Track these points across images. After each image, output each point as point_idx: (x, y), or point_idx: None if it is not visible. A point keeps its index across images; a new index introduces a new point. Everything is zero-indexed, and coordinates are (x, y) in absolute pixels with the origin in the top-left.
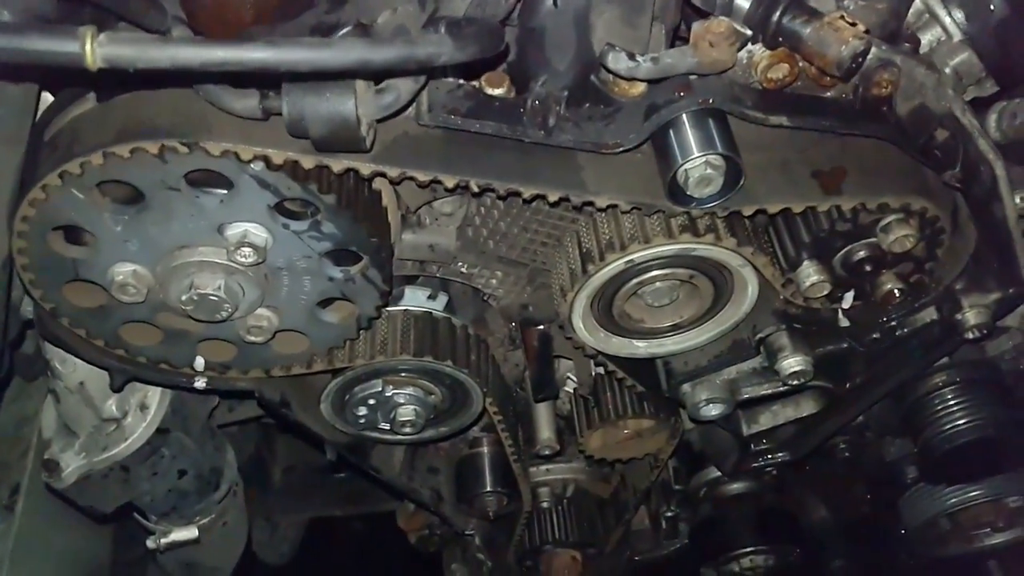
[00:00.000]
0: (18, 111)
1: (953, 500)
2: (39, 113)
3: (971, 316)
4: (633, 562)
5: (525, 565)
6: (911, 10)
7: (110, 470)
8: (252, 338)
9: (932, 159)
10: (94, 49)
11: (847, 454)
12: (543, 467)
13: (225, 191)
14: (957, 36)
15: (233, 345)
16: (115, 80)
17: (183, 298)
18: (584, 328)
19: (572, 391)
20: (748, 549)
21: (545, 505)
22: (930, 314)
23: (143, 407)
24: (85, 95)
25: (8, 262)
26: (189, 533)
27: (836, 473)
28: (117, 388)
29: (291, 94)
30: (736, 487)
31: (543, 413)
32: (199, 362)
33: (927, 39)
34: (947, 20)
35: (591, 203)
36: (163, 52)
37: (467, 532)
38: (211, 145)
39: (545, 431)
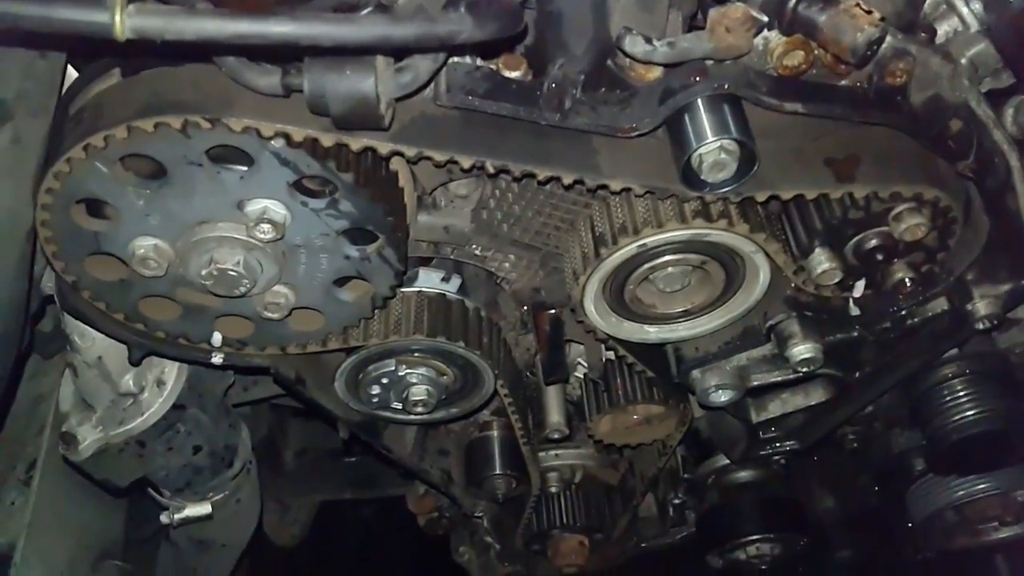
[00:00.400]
0: (45, 85)
1: (960, 493)
2: (64, 87)
3: (982, 307)
4: (640, 548)
5: (532, 549)
6: (928, 0)
7: (126, 444)
8: (269, 315)
9: (946, 149)
10: (123, 19)
11: (855, 445)
12: (552, 452)
13: (245, 168)
14: (974, 26)
15: (250, 321)
16: (141, 51)
17: (203, 273)
18: (595, 312)
19: (582, 376)
20: (755, 537)
21: (553, 490)
22: (941, 304)
23: (160, 383)
24: (110, 70)
25: (32, 233)
26: (202, 509)
27: (844, 464)
28: (136, 362)
29: (312, 71)
30: (744, 475)
31: (553, 397)
32: (216, 338)
33: (944, 29)
34: (964, 10)
35: (605, 186)
36: (190, 23)
37: (476, 515)
38: (233, 121)
39: (555, 415)
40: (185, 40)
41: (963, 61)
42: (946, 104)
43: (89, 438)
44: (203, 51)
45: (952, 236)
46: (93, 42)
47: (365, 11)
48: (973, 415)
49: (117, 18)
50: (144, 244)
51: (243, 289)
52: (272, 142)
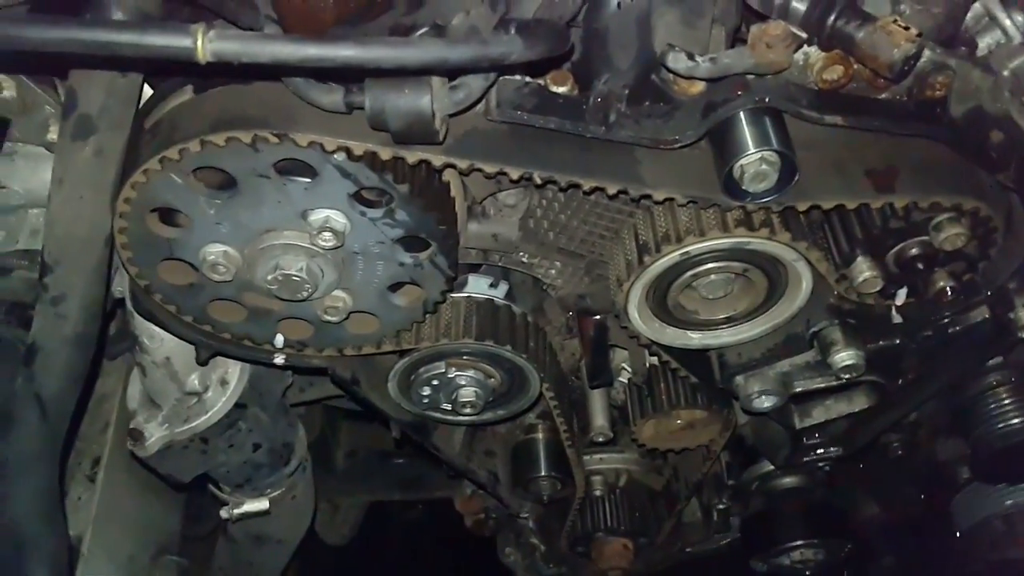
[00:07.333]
0: (124, 101)
1: (1008, 502)
2: (141, 103)
3: None
4: (684, 553)
5: (577, 551)
6: (970, 14)
7: (190, 441)
8: (328, 318)
9: (987, 160)
10: (204, 44)
11: (900, 452)
12: (597, 456)
13: (309, 179)
14: (1017, 39)
15: (311, 324)
16: (217, 72)
17: (268, 278)
18: (639, 318)
19: (626, 381)
20: (799, 543)
21: (598, 493)
22: (982, 313)
23: (223, 382)
24: (183, 87)
25: (109, 240)
26: (260, 505)
27: (889, 471)
28: (203, 362)
29: (373, 90)
30: (788, 481)
31: (598, 401)
32: (279, 339)
33: (986, 42)
34: (1007, 23)
35: (648, 196)
36: (264, 48)
37: (522, 516)
38: (299, 136)
39: (599, 418)
40: (259, 63)
41: (1005, 73)
42: (987, 116)
43: (156, 435)
44: (274, 72)
45: (993, 246)
46: (175, 63)
47: (420, 31)
48: (1018, 423)
49: (199, 43)
50: (214, 251)
51: (305, 294)
52: (335, 155)
